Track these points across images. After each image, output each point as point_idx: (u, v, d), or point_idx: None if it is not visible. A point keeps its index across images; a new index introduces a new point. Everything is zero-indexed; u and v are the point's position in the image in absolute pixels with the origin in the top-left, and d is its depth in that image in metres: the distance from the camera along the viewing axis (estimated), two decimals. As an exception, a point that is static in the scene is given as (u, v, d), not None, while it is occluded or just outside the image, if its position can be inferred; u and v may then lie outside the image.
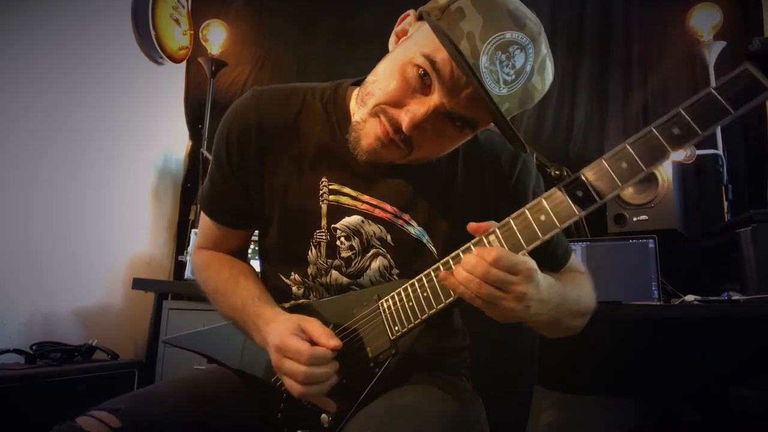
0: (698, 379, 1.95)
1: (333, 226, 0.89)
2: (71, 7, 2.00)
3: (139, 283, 1.98)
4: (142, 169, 2.44)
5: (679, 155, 2.03)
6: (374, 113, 0.79)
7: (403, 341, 0.83)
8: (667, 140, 0.66)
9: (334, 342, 0.79)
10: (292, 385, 0.78)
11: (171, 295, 2.09)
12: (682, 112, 0.66)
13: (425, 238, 0.89)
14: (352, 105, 0.89)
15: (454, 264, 0.77)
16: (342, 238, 0.89)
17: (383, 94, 0.78)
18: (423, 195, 0.89)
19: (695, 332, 1.93)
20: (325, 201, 0.89)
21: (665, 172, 2.02)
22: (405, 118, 0.76)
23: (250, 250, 1.10)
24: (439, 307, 0.79)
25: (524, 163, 0.93)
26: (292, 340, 0.78)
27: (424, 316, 0.81)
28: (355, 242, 0.89)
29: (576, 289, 0.88)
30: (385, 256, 0.89)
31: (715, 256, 2.02)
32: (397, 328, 0.82)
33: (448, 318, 1.03)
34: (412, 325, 0.82)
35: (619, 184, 0.68)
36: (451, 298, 0.78)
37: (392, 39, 0.84)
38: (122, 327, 2.26)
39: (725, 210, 2.12)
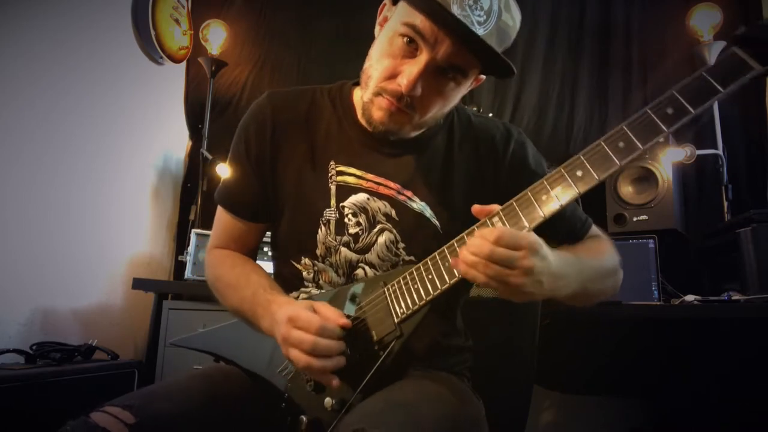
0: (698, 379, 1.95)
1: (341, 204, 0.95)
2: (71, 7, 2.00)
3: (139, 283, 1.98)
4: (142, 169, 2.44)
5: (680, 155, 2.03)
6: (377, 93, 0.88)
7: (407, 324, 0.85)
8: (661, 119, 0.70)
9: (344, 320, 0.81)
10: (298, 356, 0.78)
11: (171, 295, 2.09)
12: (675, 94, 0.69)
13: (428, 212, 0.95)
14: (356, 99, 1.00)
15: (458, 246, 0.79)
16: (350, 215, 0.95)
17: (380, 74, 0.87)
18: (423, 173, 0.96)
19: (695, 332, 1.93)
20: (333, 182, 0.96)
21: (665, 172, 2.02)
22: (402, 81, 0.83)
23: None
24: (443, 287, 0.81)
25: (517, 139, 1.00)
26: (304, 312, 0.80)
27: (429, 297, 0.82)
28: (362, 218, 0.95)
29: (595, 254, 0.90)
30: (391, 231, 0.95)
31: (715, 256, 2.02)
32: (401, 310, 0.84)
33: (453, 313, 1.04)
34: (417, 306, 0.83)
35: (617, 162, 0.71)
36: (456, 278, 0.79)
37: (377, 29, 0.94)
38: (122, 327, 2.26)
39: (725, 210, 2.12)
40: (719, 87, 0.67)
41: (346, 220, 0.95)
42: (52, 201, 1.93)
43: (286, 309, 0.83)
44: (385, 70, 0.86)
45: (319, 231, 0.95)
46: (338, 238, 0.95)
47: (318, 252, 0.96)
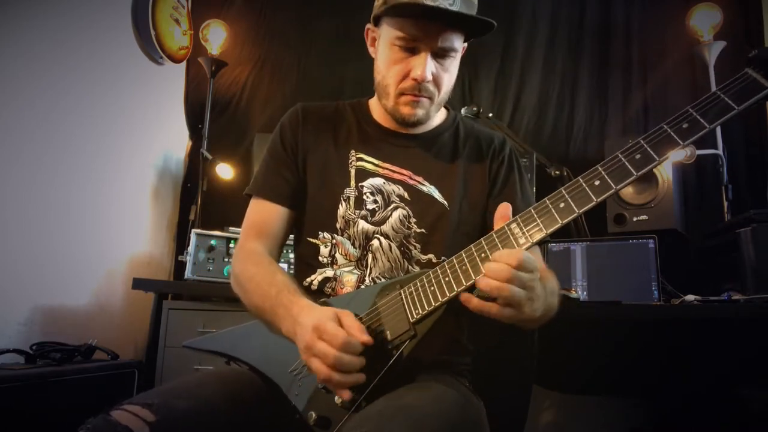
0: (698, 379, 1.95)
1: (360, 184, 1.08)
2: (71, 7, 2.00)
3: (139, 283, 1.98)
4: (142, 169, 2.44)
5: (680, 155, 2.03)
6: (398, 94, 1.03)
7: (422, 325, 0.86)
8: (677, 133, 0.75)
9: (366, 337, 0.82)
10: (320, 367, 0.80)
11: (171, 295, 2.09)
12: (691, 110, 0.75)
13: (436, 194, 1.08)
14: (372, 105, 1.17)
15: (476, 251, 0.83)
16: (368, 193, 1.07)
17: (394, 79, 1.03)
18: (432, 162, 1.10)
19: (695, 332, 1.93)
20: (353, 166, 1.10)
21: (665, 172, 2.02)
22: (416, 73, 0.99)
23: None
24: (460, 289, 0.83)
25: (511, 146, 1.18)
26: (330, 324, 0.82)
27: (444, 299, 0.84)
28: (379, 198, 1.07)
29: (549, 282, 0.92)
30: (404, 209, 1.07)
31: (715, 256, 2.02)
32: (417, 311, 0.86)
33: (463, 316, 1.06)
34: (432, 307, 0.85)
35: (634, 172, 0.75)
36: (472, 280, 0.81)
37: (370, 50, 1.12)
38: (122, 327, 2.26)
39: (725, 210, 2.12)
40: (734, 105, 0.73)
41: (364, 197, 1.07)
42: (52, 201, 1.92)
43: (311, 316, 0.85)
44: (397, 74, 1.02)
45: (340, 206, 1.07)
46: (357, 212, 1.06)
47: (337, 225, 1.07)
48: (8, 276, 1.75)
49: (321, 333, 0.81)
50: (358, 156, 1.10)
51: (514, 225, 0.80)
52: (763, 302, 1.55)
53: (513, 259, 0.73)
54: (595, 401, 2.16)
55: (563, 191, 0.79)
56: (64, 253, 1.98)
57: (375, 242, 1.05)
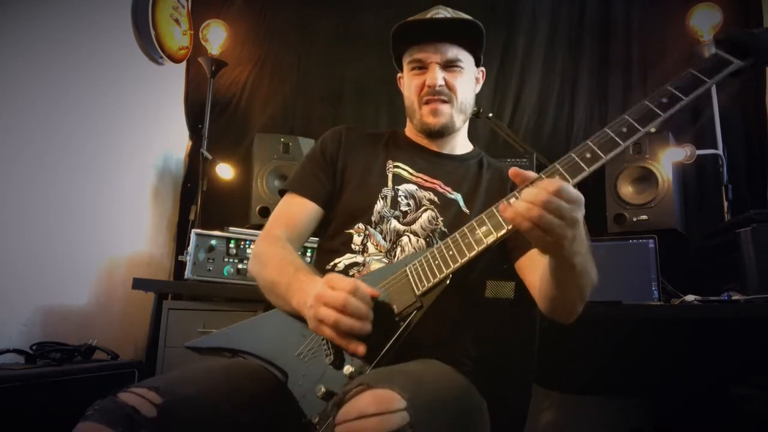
0: (698, 379, 1.95)
1: (396, 187, 1.20)
2: (71, 7, 2.00)
3: (139, 283, 1.98)
4: (142, 169, 2.44)
5: (680, 155, 2.03)
6: (420, 105, 1.22)
7: (428, 297, 0.90)
8: (657, 107, 0.83)
9: (373, 290, 0.90)
10: (328, 312, 0.85)
11: (171, 295, 2.09)
12: (669, 87, 0.84)
13: (461, 202, 1.20)
14: (406, 132, 1.33)
15: (478, 226, 0.89)
16: (402, 196, 1.19)
17: (414, 94, 1.22)
18: (459, 178, 1.24)
19: (695, 332, 1.93)
20: (390, 171, 1.23)
21: (665, 172, 2.02)
22: (430, 81, 1.18)
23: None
24: (463, 260, 0.88)
25: None
26: (340, 276, 0.91)
27: (449, 270, 0.89)
28: (411, 201, 1.19)
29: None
30: (433, 210, 1.18)
31: (715, 256, 2.02)
32: (422, 284, 0.92)
33: (475, 289, 1.16)
34: (437, 279, 0.90)
35: (621, 142, 0.82)
36: (475, 251, 0.88)
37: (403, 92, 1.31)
38: (122, 327, 2.26)
39: (725, 210, 2.12)
40: (705, 78, 0.83)
41: (399, 198, 1.18)
42: (52, 201, 1.93)
43: (316, 287, 0.91)
44: (416, 89, 1.21)
45: (377, 203, 1.18)
46: (391, 210, 1.17)
47: (372, 219, 1.17)
48: (8, 276, 1.76)
49: (330, 282, 0.88)
50: (395, 164, 1.24)
51: (512, 199, 0.84)
52: (763, 302, 1.56)
53: (551, 186, 0.75)
54: (595, 401, 2.16)
55: (557, 165, 0.84)
56: (64, 253, 1.98)
57: (404, 239, 1.15)
